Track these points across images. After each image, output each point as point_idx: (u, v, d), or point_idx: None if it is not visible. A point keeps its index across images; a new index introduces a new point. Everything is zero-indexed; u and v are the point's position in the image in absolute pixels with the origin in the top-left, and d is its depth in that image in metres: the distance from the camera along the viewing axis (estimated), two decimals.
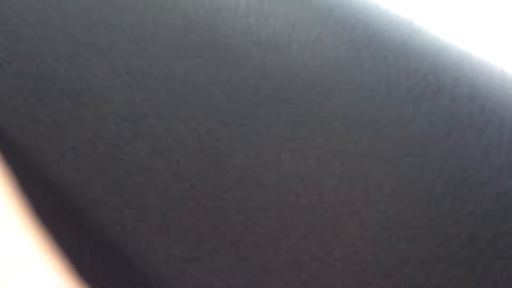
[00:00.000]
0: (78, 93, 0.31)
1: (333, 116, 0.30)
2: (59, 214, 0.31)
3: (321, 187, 0.29)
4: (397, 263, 0.29)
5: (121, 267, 0.30)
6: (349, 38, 0.31)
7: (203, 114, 0.31)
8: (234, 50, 0.31)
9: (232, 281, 0.29)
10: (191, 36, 0.32)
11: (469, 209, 0.29)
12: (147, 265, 0.29)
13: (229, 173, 0.30)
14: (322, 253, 0.29)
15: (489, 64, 0.33)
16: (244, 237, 0.29)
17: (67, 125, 0.31)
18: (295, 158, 0.30)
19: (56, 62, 0.32)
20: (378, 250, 0.29)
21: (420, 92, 0.31)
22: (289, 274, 0.28)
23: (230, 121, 0.31)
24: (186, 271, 0.29)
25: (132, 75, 0.32)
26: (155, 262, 0.29)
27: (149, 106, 0.31)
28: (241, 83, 0.31)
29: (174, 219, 0.29)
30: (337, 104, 0.31)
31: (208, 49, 0.32)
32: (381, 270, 0.29)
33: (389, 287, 0.28)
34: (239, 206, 0.30)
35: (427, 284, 0.28)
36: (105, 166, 0.30)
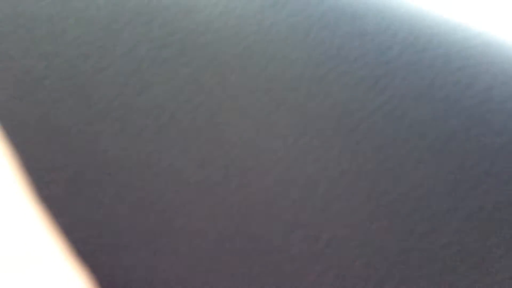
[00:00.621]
0: None
1: (196, 32, 0.29)
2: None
3: (193, 105, 0.29)
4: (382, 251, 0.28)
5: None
6: None
7: (58, 50, 0.29)
8: None
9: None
10: None
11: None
12: None
13: (97, 104, 0.29)
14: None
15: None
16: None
17: None
18: (165, 79, 0.29)
19: None
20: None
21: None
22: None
23: (91, 53, 0.29)
24: None
25: None
26: None
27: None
28: (96, 12, 0.30)
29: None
30: (199, 20, 0.30)
31: None
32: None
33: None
34: (113, 133, 0.29)
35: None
36: None
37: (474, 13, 0.32)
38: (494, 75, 0.30)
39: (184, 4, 0.30)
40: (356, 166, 0.28)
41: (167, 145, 0.29)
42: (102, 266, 0.28)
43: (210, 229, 0.28)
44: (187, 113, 0.29)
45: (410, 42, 0.30)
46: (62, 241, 0.28)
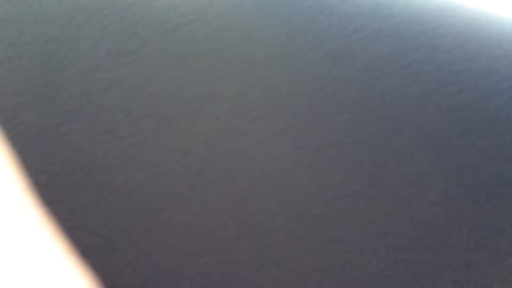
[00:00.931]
0: None
1: (159, 20, 0.29)
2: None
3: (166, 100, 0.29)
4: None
5: None
6: None
7: (26, 50, 0.29)
8: None
9: None
10: None
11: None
12: None
13: (65, 104, 0.28)
14: None
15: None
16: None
17: None
18: (133, 72, 0.29)
19: None
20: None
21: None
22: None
23: (52, 52, 0.29)
24: None
25: None
26: None
27: None
28: (54, 10, 0.29)
29: None
30: (161, 8, 0.29)
31: None
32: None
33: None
34: (86, 132, 0.28)
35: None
36: None
37: None
38: (456, 35, 0.30)
39: None
40: (335, 138, 0.28)
41: (143, 138, 0.28)
42: (90, 270, 0.28)
43: (197, 219, 0.27)
44: (160, 104, 0.28)
45: (372, 11, 0.30)
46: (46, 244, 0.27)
